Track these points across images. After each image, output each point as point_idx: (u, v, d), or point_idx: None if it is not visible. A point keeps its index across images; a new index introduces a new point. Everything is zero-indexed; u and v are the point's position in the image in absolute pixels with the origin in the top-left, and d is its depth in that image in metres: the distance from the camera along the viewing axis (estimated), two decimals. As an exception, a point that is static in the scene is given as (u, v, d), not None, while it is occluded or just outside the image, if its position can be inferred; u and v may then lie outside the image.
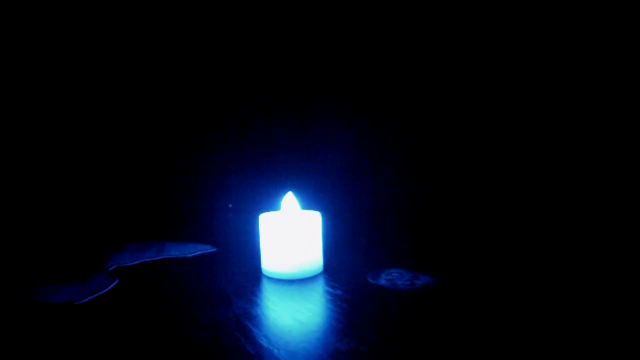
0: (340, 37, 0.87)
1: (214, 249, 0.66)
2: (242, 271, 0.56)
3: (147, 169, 0.91)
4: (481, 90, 0.78)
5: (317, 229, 0.54)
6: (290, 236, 0.52)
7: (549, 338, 0.35)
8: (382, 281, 0.49)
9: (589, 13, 0.65)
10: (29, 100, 0.77)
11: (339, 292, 0.47)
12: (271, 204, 0.66)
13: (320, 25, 0.88)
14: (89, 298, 0.47)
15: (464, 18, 0.76)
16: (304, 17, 0.88)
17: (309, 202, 0.65)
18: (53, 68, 0.79)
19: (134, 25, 0.84)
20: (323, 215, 0.57)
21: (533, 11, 0.70)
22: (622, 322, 0.37)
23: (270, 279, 0.52)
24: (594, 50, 0.66)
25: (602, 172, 0.67)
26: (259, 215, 0.56)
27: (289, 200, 0.57)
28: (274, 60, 0.91)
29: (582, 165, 0.69)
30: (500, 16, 0.73)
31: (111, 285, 0.50)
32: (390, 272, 0.52)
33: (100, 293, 0.48)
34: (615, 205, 0.65)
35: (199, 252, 0.65)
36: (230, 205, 0.95)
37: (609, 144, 0.66)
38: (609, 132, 0.66)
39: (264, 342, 0.36)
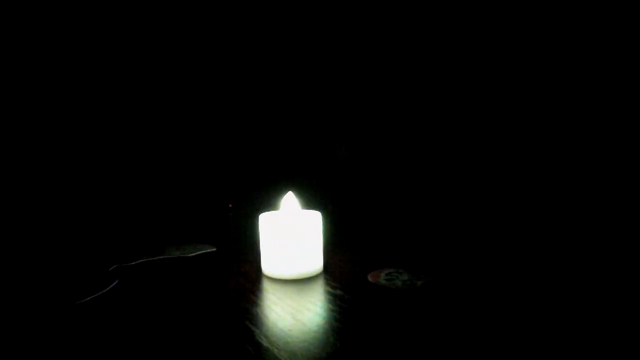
0: (339, 39, 0.87)
1: (213, 249, 0.66)
2: (242, 271, 0.56)
3: (148, 169, 0.91)
4: (480, 90, 0.78)
5: (318, 229, 0.54)
6: (290, 236, 0.52)
7: (548, 338, 0.35)
8: (382, 281, 0.49)
9: (589, 13, 0.65)
10: (31, 100, 0.77)
11: (339, 292, 0.47)
12: (271, 204, 0.66)
13: (321, 28, 0.88)
14: (89, 298, 0.47)
15: (458, 19, 0.76)
16: (305, 20, 0.88)
17: (309, 202, 0.65)
18: (55, 68, 0.79)
19: (134, 28, 0.84)
20: (323, 215, 0.57)
21: (525, 11, 0.70)
22: (621, 322, 0.37)
23: (270, 279, 0.52)
24: (593, 50, 0.66)
25: (601, 172, 0.67)
26: (258, 215, 0.56)
27: (289, 200, 0.57)
28: (274, 61, 0.91)
29: (580, 165, 0.69)
30: (496, 17, 0.73)
31: (111, 285, 0.50)
32: (390, 272, 0.52)
33: (100, 293, 0.48)
34: (615, 205, 0.65)
35: (199, 252, 0.65)
36: (230, 205, 0.95)
37: (608, 144, 0.66)
38: (607, 132, 0.66)
39: (264, 342, 0.36)
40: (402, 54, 0.84)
